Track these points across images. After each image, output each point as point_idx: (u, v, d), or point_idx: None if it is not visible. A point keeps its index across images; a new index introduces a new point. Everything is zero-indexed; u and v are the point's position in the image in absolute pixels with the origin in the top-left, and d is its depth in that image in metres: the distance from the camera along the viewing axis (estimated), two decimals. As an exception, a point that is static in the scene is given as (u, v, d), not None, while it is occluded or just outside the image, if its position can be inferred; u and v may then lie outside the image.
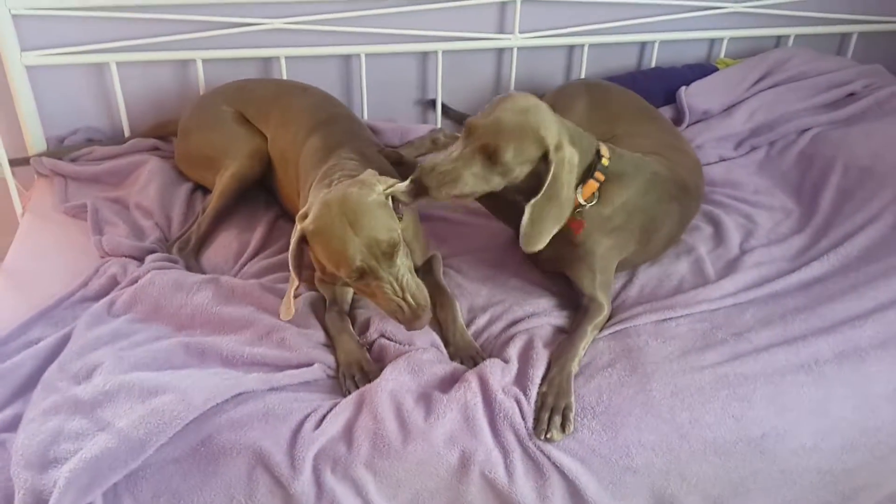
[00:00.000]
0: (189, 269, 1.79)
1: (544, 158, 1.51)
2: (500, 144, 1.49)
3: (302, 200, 1.72)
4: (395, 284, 1.45)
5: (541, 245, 1.53)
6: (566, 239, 1.63)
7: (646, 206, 1.68)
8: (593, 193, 1.61)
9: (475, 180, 1.51)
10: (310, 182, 1.68)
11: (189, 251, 1.84)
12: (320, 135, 1.80)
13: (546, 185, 1.50)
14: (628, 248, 1.69)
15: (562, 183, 1.52)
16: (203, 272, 1.80)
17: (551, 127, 1.52)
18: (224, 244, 1.89)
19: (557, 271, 1.72)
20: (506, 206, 1.86)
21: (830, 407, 1.49)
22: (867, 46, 2.60)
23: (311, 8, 2.19)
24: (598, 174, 1.60)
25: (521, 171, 1.52)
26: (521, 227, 1.52)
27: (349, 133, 1.82)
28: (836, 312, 1.63)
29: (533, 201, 1.51)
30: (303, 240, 1.49)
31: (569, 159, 1.52)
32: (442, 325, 1.63)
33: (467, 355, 1.56)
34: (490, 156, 1.50)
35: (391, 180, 1.52)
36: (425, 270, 1.73)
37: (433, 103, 2.39)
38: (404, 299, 1.45)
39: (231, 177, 1.92)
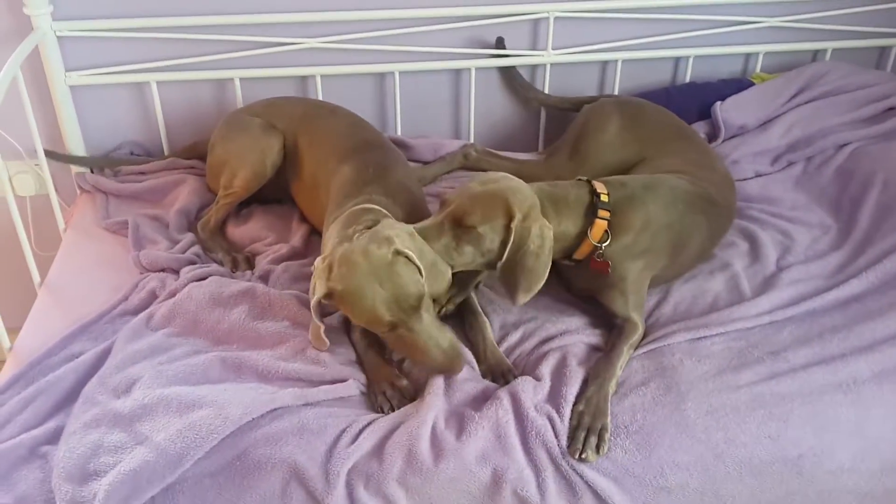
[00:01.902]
0: (213, 248, 1.90)
1: (510, 228, 1.50)
2: (467, 209, 1.51)
3: (325, 233, 1.72)
4: (426, 334, 1.45)
5: (519, 303, 1.54)
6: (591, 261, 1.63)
7: (671, 222, 1.67)
8: (605, 232, 1.60)
9: (445, 252, 1.52)
10: (333, 217, 1.68)
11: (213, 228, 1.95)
12: (352, 165, 1.79)
13: (508, 249, 1.50)
14: (659, 265, 1.68)
15: (528, 253, 1.51)
16: (229, 244, 1.94)
17: (521, 196, 1.52)
18: (259, 227, 1.99)
19: (590, 296, 1.72)
20: None
21: (869, 427, 1.47)
22: (907, 60, 2.56)
23: (346, 27, 2.22)
24: (601, 212, 1.60)
25: (491, 241, 1.52)
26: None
27: (380, 166, 1.79)
28: (875, 331, 1.61)
29: (500, 264, 1.53)
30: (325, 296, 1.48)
31: (539, 233, 1.52)
32: (473, 344, 1.63)
33: (499, 373, 1.56)
34: (459, 222, 1.51)
35: (404, 231, 1.50)
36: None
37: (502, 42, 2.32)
38: (438, 347, 1.46)
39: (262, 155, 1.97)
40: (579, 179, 1.67)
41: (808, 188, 2.12)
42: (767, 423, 1.45)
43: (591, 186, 1.64)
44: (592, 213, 1.61)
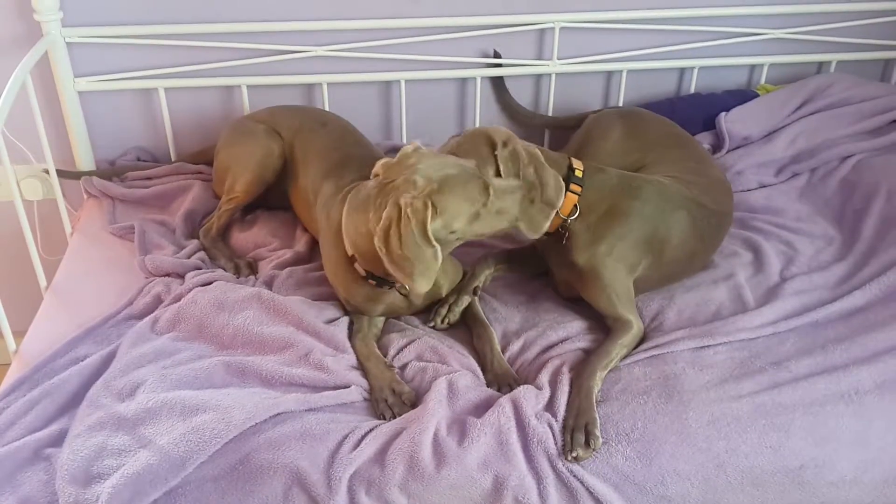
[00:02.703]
0: (215, 255, 1.91)
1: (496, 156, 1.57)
2: (453, 146, 1.59)
3: (323, 246, 1.75)
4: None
5: (557, 206, 1.56)
6: (566, 258, 1.66)
7: (643, 214, 1.68)
8: (574, 205, 1.63)
9: None
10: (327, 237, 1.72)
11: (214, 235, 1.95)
12: (331, 183, 1.80)
13: (505, 174, 1.56)
14: (638, 260, 1.68)
15: (527, 171, 1.55)
16: (231, 250, 1.95)
17: (496, 128, 1.60)
18: (263, 233, 2.00)
19: (577, 296, 1.73)
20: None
21: (871, 438, 1.47)
22: (911, 73, 2.56)
23: (352, 36, 2.24)
24: (573, 186, 1.64)
25: (484, 174, 1.54)
26: None
27: (359, 181, 1.76)
28: (878, 342, 1.61)
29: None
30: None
31: (527, 150, 1.58)
32: (480, 354, 1.64)
33: (505, 383, 1.57)
34: None
35: None
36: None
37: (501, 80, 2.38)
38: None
39: (262, 159, 1.98)
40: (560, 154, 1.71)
41: (811, 199, 2.12)
42: (769, 433, 1.45)
43: (569, 161, 1.67)
44: (565, 185, 1.63)
